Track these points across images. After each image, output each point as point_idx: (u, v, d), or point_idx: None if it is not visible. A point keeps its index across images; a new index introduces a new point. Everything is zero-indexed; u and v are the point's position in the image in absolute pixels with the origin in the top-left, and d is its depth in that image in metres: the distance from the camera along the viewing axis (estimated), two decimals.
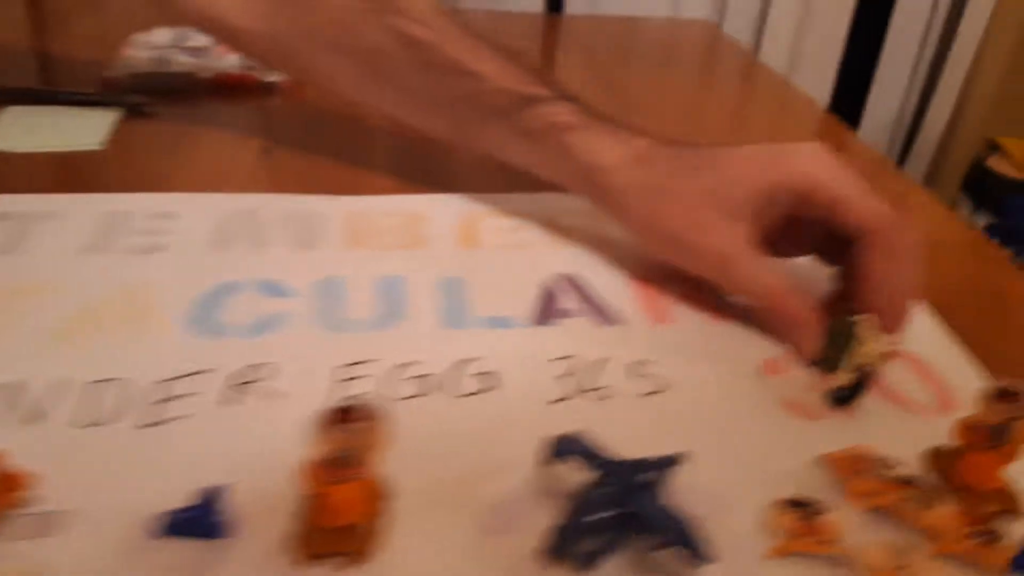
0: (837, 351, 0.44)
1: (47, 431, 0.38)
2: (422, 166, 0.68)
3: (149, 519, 0.33)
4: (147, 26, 0.91)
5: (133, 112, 0.71)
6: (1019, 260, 1.73)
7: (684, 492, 0.36)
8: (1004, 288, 0.58)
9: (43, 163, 0.64)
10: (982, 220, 1.98)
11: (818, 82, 1.83)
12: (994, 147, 2.04)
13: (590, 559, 0.33)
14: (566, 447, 0.35)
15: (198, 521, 0.33)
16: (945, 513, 0.37)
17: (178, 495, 0.34)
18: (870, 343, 0.42)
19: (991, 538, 0.36)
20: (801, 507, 0.36)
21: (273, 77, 0.81)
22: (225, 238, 0.55)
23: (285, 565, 0.32)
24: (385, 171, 0.66)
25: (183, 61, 0.83)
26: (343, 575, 0.33)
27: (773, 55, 1.76)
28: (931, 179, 2.09)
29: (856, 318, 0.44)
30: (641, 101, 0.88)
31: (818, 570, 0.34)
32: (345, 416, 0.33)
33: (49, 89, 0.76)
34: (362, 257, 0.54)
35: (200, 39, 0.89)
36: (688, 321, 0.50)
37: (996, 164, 2.01)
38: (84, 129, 0.67)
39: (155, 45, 0.87)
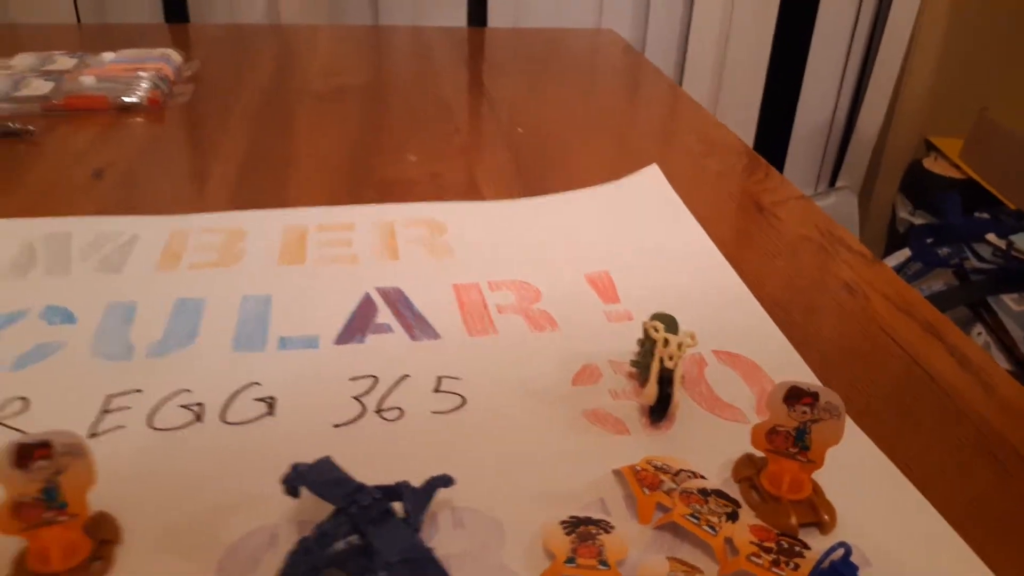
0: (645, 363, 0.41)
1: None
2: (260, 181, 0.64)
3: None
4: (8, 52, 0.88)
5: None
6: (953, 257, 1.73)
7: (462, 515, 0.32)
8: (855, 283, 0.56)
9: None
10: (920, 219, 1.98)
11: (748, 91, 1.83)
12: (929, 147, 2.04)
13: None
14: (297, 476, 0.32)
15: None
16: (740, 528, 0.33)
17: None
18: (667, 350, 0.39)
19: (793, 550, 0.33)
20: (581, 526, 0.33)
21: (131, 99, 0.77)
22: (28, 262, 0.51)
23: None
24: (226, 189, 0.63)
25: (38, 86, 0.79)
26: None
27: (699, 68, 1.75)
28: (869, 181, 2.09)
29: (656, 324, 0.40)
30: (501, 110, 0.84)
31: None
32: (37, 453, 0.29)
33: None
34: (166, 279, 0.50)
35: (63, 62, 0.86)
36: (512, 332, 0.47)
37: (932, 164, 2.02)
38: None
39: (14, 68, 0.84)
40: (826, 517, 0.34)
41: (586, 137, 0.79)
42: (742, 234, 0.59)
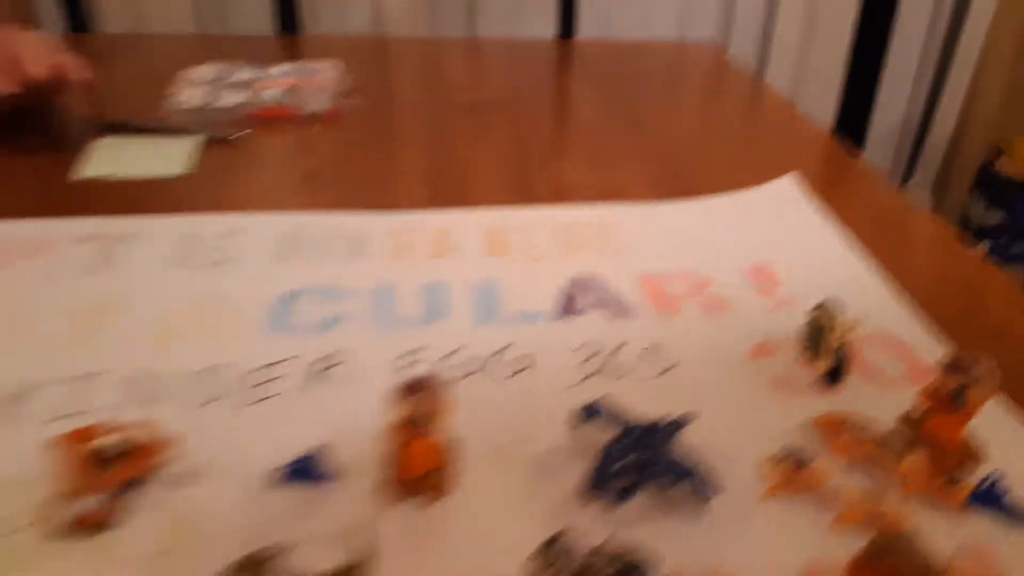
0: (815, 342, 0.52)
1: (176, 408, 0.46)
2: (452, 183, 0.76)
3: (266, 472, 0.41)
4: (188, 64, 1.00)
5: (202, 142, 0.80)
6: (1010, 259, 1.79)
7: (692, 448, 0.43)
8: (975, 282, 0.66)
9: (131, 188, 0.73)
10: (993, 220, 2.05)
11: (824, 93, 1.90)
12: (1002, 149, 2.10)
13: (620, 496, 0.40)
14: (593, 411, 0.43)
15: (308, 469, 0.41)
16: (915, 462, 0.44)
17: (285, 454, 0.42)
18: (836, 328, 0.50)
19: (953, 482, 0.43)
20: (791, 459, 0.44)
21: (312, 109, 0.89)
22: (285, 252, 0.63)
23: (377, 505, 0.40)
24: (413, 189, 0.75)
25: (230, 97, 0.91)
26: (422, 513, 0.40)
27: (779, 70, 1.83)
28: (941, 183, 2.15)
29: (819, 313, 0.51)
30: (631, 122, 0.95)
31: (803, 509, 0.41)
32: (413, 388, 0.40)
33: (133, 122, 0.84)
34: (404, 266, 0.62)
35: (242, 74, 0.98)
36: (693, 313, 0.57)
37: (1003, 166, 2.08)
38: (165, 158, 0.76)
39: (202, 81, 0.96)
40: (978, 457, 0.45)
41: (708, 148, 0.90)
42: (872, 238, 0.69)
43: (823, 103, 1.92)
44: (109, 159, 0.76)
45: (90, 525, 0.39)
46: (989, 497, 0.43)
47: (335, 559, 0.37)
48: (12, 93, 0.75)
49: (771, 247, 0.66)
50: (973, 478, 0.43)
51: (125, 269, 0.60)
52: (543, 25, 1.68)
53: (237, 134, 0.83)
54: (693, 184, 0.78)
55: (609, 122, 0.95)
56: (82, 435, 0.42)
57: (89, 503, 0.39)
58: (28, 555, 0.37)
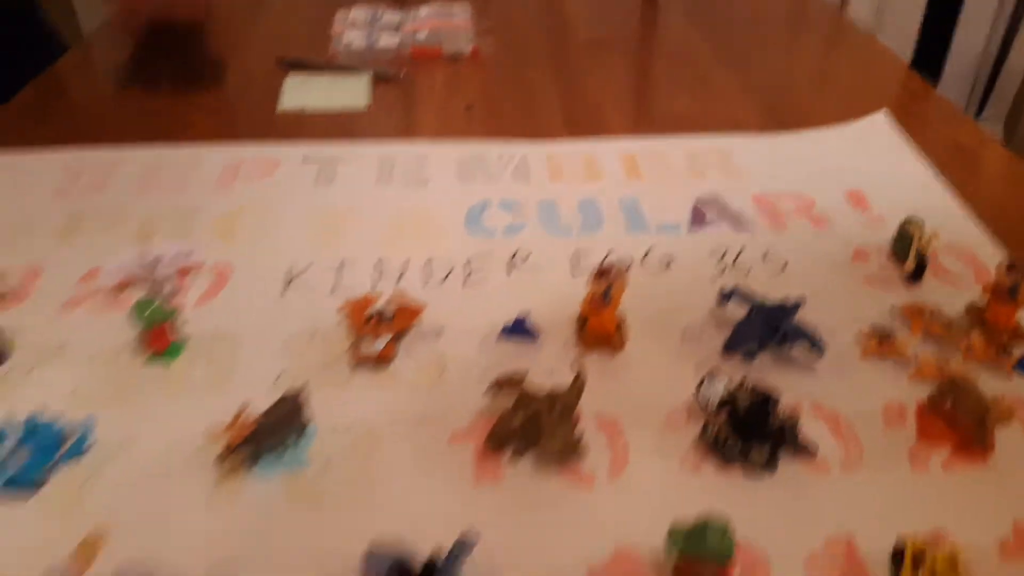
0: (902, 248, 0.65)
1: (415, 287, 0.62)
2: (587, 115, 0.90)
3: (489, 332, 0.58)
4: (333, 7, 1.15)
5: (377, 78, 0.96)
6: None
7: (805, 323, 0.58)
8: None
9: (325, 119, 0.89)
10: None
11: (904, 26, 1.95)
12: None
13: (751, 355, 0.55)
14: (729, 294, 0.58)
15: (521, 329, 0.57)
16: (977, 338, 0.58)
17: (500, 321, 0.58)
18: (921, 238, 0.63)
19: (1005, 351, 0.57)
20: (880, 333, 0.58)
21: (457, 49, 1.03)
22: (465, 173, 0.78)
23: (572, 355, 0.56)
24: (557, 120, 0.89)
25: (387, 38, 1.06)
26: (607, 361, 0.56)
27: (860, 4, 1.89)
28: (1015, 114, 2.19)
29: (908, 224, 0.64)
30: (733, 58, 1.07)
31: (890, 366, 0.56)
32: (604, 272, 0.56)
33: (312, 61, 1.00)
34: (561, 187, 0.77)
35: (391, 17, 1.12)
36: (801, 227, 0.71)
37: None
38: (346, 93, 0.92)
39: (359, 23, 1.11)
40: None
41: (801, 81, 1.01)
42: (950, 169, 0.81)
43: (903, 38, 1.97)
44: (300, 94, 0.92)
45: (379, 360, 0.55)
46: None
47: (552, 385, 0.53)
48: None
49: (865, 174, 0.79)
50: (1020, 351, 0.57)
51: (344, 186, 0.76)
52: None
53: (399, 72, 0.97)
54: (792, 115, 0.90)
55: (712, 57, 1.07)
56: (362, 302, 0.59)
57: (377, 344, 0.56)
58: (342, 380, 0.55)
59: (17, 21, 1.17)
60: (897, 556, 0.43)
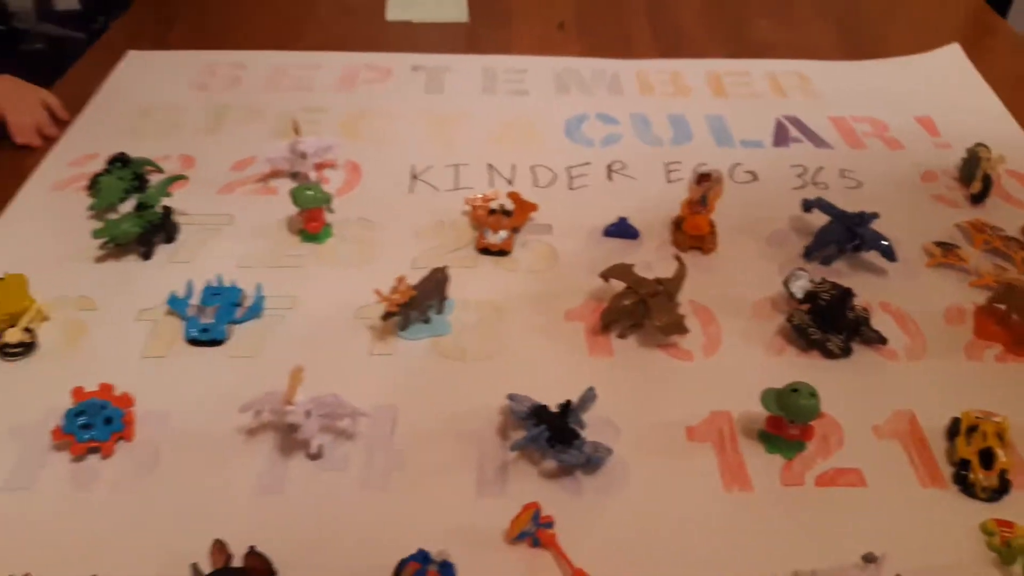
0: (969, 170, 0.71)
1: (525, 188, 0.70)
2: (672, 35, 0.95)
3: (594, 230, 0.65)
4: None
5: None
6: None
7: (880, 232, 0.64)
8: None
9: (429, 30, 0.95)
10: None
11: None
12: None
13: (829, 259, 0.63)
14: (812, 204, 0.65)
15: (623, 228, 0.65)
16: None
17: (603, 221, 0.65)
18: (987, 162, 0.69)
19: None
20: (945, 245, 0.65)
21: None
22: (562, 86, 0.85)
23: (669, 251, 0.63)
24: (645, 38, 0.94)
25: None
26: (703, 259, 0.63)
27: None
28: None
29: (978, 148, 0.70)
30: None
31: (955, 274, 0.63)
32: (702, 178, 0.63)
33: None
34: (652, 102, 0.83)
35: None
36: (875, 148, 0.77)
37: None
38: (449, 6, 0.98)
39: None
40: None
41: (877, 8, 1.04)
42: (1017, 101, 0.85)
43: None
44: (403, 6, 0.98)
45: (499, 249, 0.64)
46: None
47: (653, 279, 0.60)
48: None
49: (935, 103, 0.84)
50: None
51: (451, 94, 0.83)
52: None
53: None
54: (867, 42, 0.94)
55: None
56: (484, 199, 0.67)
57: (500, 235, 0.64)
58: (470, 263, 0.63)
59: None
60: (953, 428, 0.51)
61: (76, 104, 0.81)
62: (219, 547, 0.43)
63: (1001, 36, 1.03)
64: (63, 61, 0.95)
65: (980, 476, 0.48)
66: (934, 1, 1.10)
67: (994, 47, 0.99)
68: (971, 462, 0.49)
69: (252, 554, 0.42)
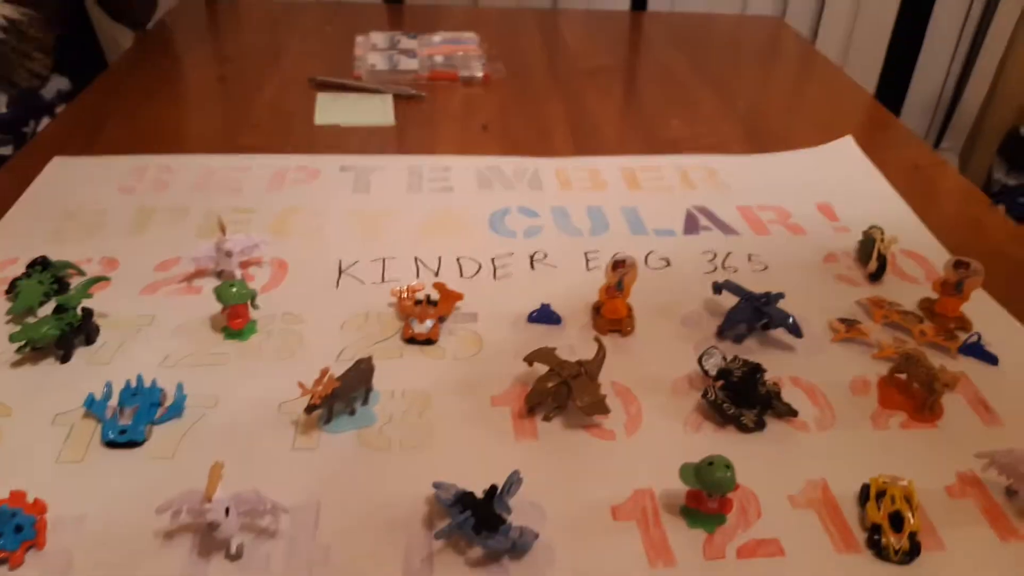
0: (866, 251, 0.76)
1: (451, 279, 0.72)
2: (589, 135, 1.00)
3: (518, 317, 0.67)
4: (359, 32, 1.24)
5: (399, 97, 1.05)
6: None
7: (786, 311, 0.68)
8: (983, 222, 0.89)
9: (356, 133, 0.98)
10: (1013, 181, 2.23)
11: (869, 62, 2.09)
12: None
13: (740, 337, 0.66)
14: (721, 287, 0.68)
15: (546, 315, 0.67)
16: (928, 325, 0.69)
17: (527, 308, 0.68)
18: (882, 243, 0.74)
19: (952, 337, 0.68)
20: (847, 321, 0.68)
21: (470, 73, 1.14)
22: (485, 182, 0.88)
23: (590, 335, 0.66)
24: (563, 138, 0.99)
25: (406, 62, 1.16)
26: (620, 341, 0.66)
27: (829, 41, 2.02)
28: (970, 145, 2.34)
29: (872, 230, 0.75)
30: (715, 86, 1.18)
31: (859, 347, 0.66)
32: (617, 265, 0.66)
33: (340, 81, 1.09)
34: (570, 196, 0.87)
35: (408, 43, 1.22)
36: (779, 234, 0.82)
37: None
38: (373, 111, 1.02)
39: (377, 46, 1.21)
40: (968, 324, 0.69)
41: (778, 108, 1.12)
42: (907, 187, 0.92)
43: (867, 73, 2.11)
44: (332, 111, 1.02)
45: (425, 338, 0.65)
46: (974, 349, 0.67)
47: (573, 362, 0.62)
48: None
49: (833, 190, 0.90)
50: (964, 336, 0.68)
51: (378, 192, 0.86)
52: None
53: (420, 93, 1.07)
54: (769, 137, 1.01)
55: (698, 83, 1.18)
56: (410, 290, 0.68)
57: (426, 325, 0.65)
58: (396, 354, 0.64)
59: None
60: (863, 494, 0.53)
61: (0, 209, 0.81)
62: None
63: (892, 129, 1.12)
64: None
65: (892, 539, 0.50)
66: (831, 100, 1.20)
67: (886, 139, 1.08)
68: (882, 526, 0.51)
69: None
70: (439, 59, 1.15)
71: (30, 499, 0.50)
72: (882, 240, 0.75)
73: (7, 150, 1.10)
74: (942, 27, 2.09)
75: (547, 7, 1.77)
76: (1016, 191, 2.16)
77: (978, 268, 0.68)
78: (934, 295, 0.71)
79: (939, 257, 0.79)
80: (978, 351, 0.67)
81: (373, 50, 1.19)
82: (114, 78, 1.14)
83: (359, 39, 1.22)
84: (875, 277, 0.75)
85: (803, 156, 0.97)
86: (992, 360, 0.66)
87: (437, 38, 1.23)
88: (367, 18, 1.37)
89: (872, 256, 0.75)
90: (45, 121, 1.13)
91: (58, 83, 1.17)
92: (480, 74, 1.14)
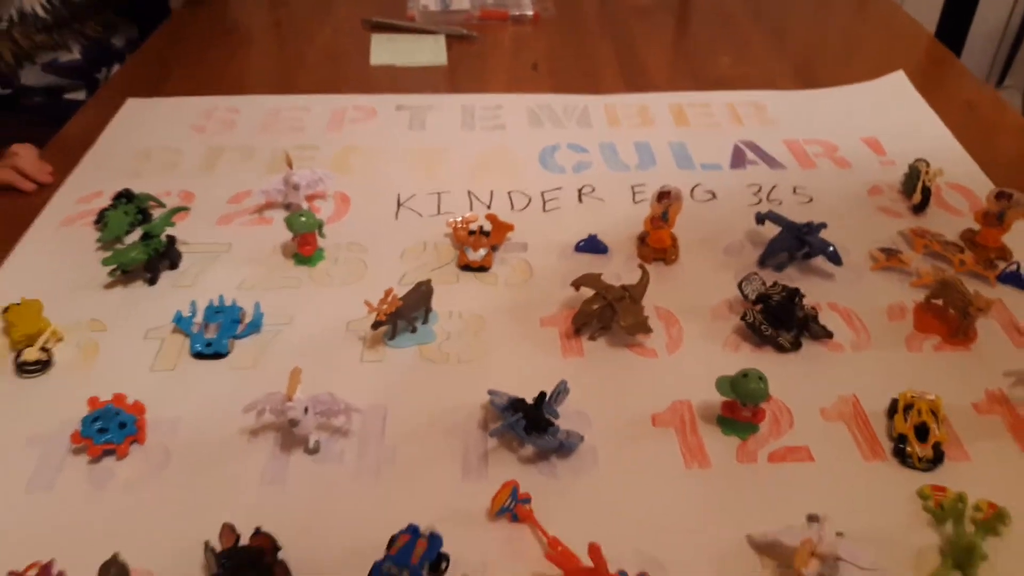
0: (911, 183, 0.77)
1: (503, 211, 0.75)
2: (638, 72, 1.02)
3: (566, 247, 0.71)
4: None
5: (451, 37, 1.08)
6: None
7: (826, 239, 0.70)
8: None
9: (410, 73, 1.02)
10: None
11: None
12: None
13: (781, 266, 0.68)
14: (764, 217, 0.71)
15: (593, 244, 0.70)
16: (968, 255, 0.70)
17: (575, 238, 0.71)
18: (927, 175, 0.75)
19: (991, 266, 0.69)
20: (888, 251, 0.70)
21: (521, 12, 1.15)
22: (537, 120, 0.91)
23: (635, 263, 0.69)
24: (612, 76, 1.01)
25: (458, 1, 1.18)
26: (666, 270, 0.69)
27: None
28: None
29: (917, 163, 0.76)
30: (768, 23, 1.17)
31: (897, 276, 0.68)
32: (663, 195, 0.68)
33: (394, 22, 1.13)
34: (619, 132, 0.89)
35: None
36: (825, 167, 0.83)
37: None
38: (426, 51, 1.05)
39: None
40: (1008, 253, 0.70)
41: (831, 45, 1.12)
42: (959, 123, 0.92)
43: (929, 8, 2.04)
44: (386, 51, 1.05)
45: (479, 265, 0.69)
46: (1012, 277, 0.69)
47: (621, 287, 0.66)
48: None
49: (881, 124, 0.91)
50: (1004, 265, 0.69)
51: (433, 130, 0.90)
52: None
53: (471, 32, 1.10)
54: (819, 75, 1.01)
55: (750, 21, 1.18)
56: (465, 221, 0.72)
57: (480, 253, 0.69)
58: (452, 279, 0.68)
59: None
60: (892, 407, 0.56)
61: (80, 148, 0.87)
62: (228, 529, 0.47)
63: (947, 65, 1.10)
64: (65, 111, 1.01)
65: (916, 448, 0.53)
66: (886, 36, 1.18)
67: (940, 75, 1.07)
68: (908, 436, 0.54)
69: (258, 534, 0.47)
70: None
71: (130, 402, 0.56)
72: (927, 172, 0.76)
73: (80, 95, 1.16)
74: None
75: None
76: None
77: (1020, 199, 0.69)
78: (977, 227, 0.72)
79: (985, 191, 0.79)
80: (1016, 279, 0.69)
81: None
82: (176, 26, 1.19)
83: None
84: (919, 209, 0.77)
85: (853, 91, 0.98)
86: None
87: None
88: None
89: (916, 188, 0.77)
90: (116, 68, 1.19)
91: (127, 31, 1.22)
92: (530, 13, 1.15)
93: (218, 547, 0.46)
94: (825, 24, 1.22)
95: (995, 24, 2.14)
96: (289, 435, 0.54)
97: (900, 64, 1.03)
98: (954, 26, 2.10)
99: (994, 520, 0.49)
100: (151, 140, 0.88)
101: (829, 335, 0.62)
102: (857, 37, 1.20)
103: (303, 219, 0.68)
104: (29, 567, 0.46)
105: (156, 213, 0.75)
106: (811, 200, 0.78)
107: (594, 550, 0.44)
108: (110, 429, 0.54)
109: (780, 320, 0.62)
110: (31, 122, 1.09)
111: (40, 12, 1.07)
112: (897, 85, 0.98)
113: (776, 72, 1.03)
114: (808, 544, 0.45)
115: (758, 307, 0.63)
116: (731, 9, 1.23)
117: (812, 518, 0.47)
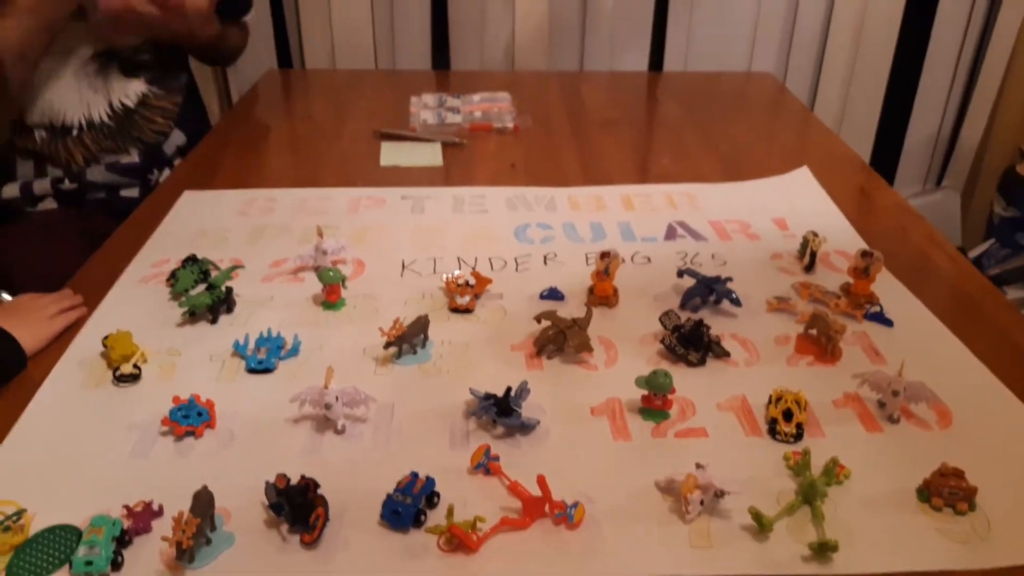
0: (803, 249, 0.99)
1: (484, 270, 0.96)
2: (597, 170, 1.26)
3: (532, 296, 0.92)
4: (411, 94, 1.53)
5: (446, 144, 1.33)
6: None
7: (734, 290, 0.91)
8: (908, 230, 1.11)
9: (413, 172, 1.26)
10: (1009, 215, 2.41)
11: (869, 106, 2.31)
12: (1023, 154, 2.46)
13: (694, 309, 0.89)
14: (683, 272, 0.92)
15: (553, 293, 0.91)
16: (843, 300, 0.91)
17: (540, 289, 0.92)
18: (814, 242, 0.98)
19: (862, 307, 0.90)
20: (780, 298, 0.91)
21: (503, 125, 1.41)
22: (513, 206, 1.14)
23: (585, 307, 0.90)
24: (575, 173, 1.25)
25: (451, 116, 1.43)
26: (607, 312, 0.90)
27: (830, 90, 2.25)
28: (970, 182, 2.52)
29: (808, 234, 0.99)
30: (705, 132, 1.43)
31: (786, 316, 0.89)
32: (604, 255, 0.90)
33: (399, 132, 1.38)
34: (578, 215, 1.12)
35: (453, 102, 1.50)
36: (739, 240, 1.06)
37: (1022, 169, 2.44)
38: (426, 155, 1.29)
39: (428, 105, 1.49)
40: (876, 299, 0.91)
41: (761, 153, 1.37)
42: (849, 205, 1.15)
43: (867, 117, 2.33)
44: (393, 155, 1.30)
45: (465, 308, 0.90)
46: (874, 316, 0.90)
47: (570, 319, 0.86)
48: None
49: (787, 207, 1.14)
50: (869, 308, 0.90)
51: (431, 214, 1.13)
52: (638, 59, 2.13)
53: (462, 141, 1.35)
54: (742, 169, 1.26)
55: (690, 131, 1.43)
56: (455, 277, 0.93)
57: (465, 299, 0.90)
58: (444, 319, 0.89)
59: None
60: (768, 402, 0.76)
61: (148, 230, 1.09)
62: (281, 476, 0.66)
63: (847, 160, 1.35)
64: (122, 205, 1.24)
65: (783, 427, 0.73)
66: (798, 137, 1.44)
67: (842, 167, 1.31)
68: (778, 419, 0.73)
69: (304, 478, 0.65)
70: (478, 114, 1.42)
71: (203, 399, 0.75)
72: (814, 241, 0.99)
73: (134, 192, 1.39)
74: (936, 71, 2.30)
75: (575, 69, 2.04)
76: (1008, 223, 2.34)
77: (879, 256, 0.91)
78: (851, 279, 0.94)
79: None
80: (878, 317, 0.90)
81: (425, 108, 1.47)
82: (220, 134, 1.44)
83: (413, 99, 1.51)
84: (808, 268, 0.99)
85: (767, 183, 1.22)
86: (888, 323, 0.89)
87: (476, 97, 1.51)
88: (419, 82, 1.67)
89: (806, 253, 0.99)
90: (166, 171, 1.43)
91: (176, 139, 1.47)
92: (511, 125, 1.41)
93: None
94: (748, 129, 1.48)
95: (928, 132, 2.42)
96: (322, 421, 0.73)
97: (808, 160, 1.27)
98: (892, 134, 2.39)
99: (834, 473, 0.68)
100: (205, 222, 1.11)
101: (727, 354, 0.83)
102: (773, 139, 1.45)
103: (331, 273, 0.89)
104: (136, 504, 0.65)
105: (214, 274, 0.96)
106: (725, 263, 1.00)
107: (541, 480, 0.63)
108: (190, 416, 0.73)
109: (690, 343, 0.82)
110: (92, 213, 1.32)
111: (105, 119, 1.31)
112: (802, 177, 1.23)
113: (707, 169, 1.27)
114: (692, 478, 0.64)
115: (674, 334, 0.83)
116: (675, 120, 1.49)
117: (699, 465, 0.66)
